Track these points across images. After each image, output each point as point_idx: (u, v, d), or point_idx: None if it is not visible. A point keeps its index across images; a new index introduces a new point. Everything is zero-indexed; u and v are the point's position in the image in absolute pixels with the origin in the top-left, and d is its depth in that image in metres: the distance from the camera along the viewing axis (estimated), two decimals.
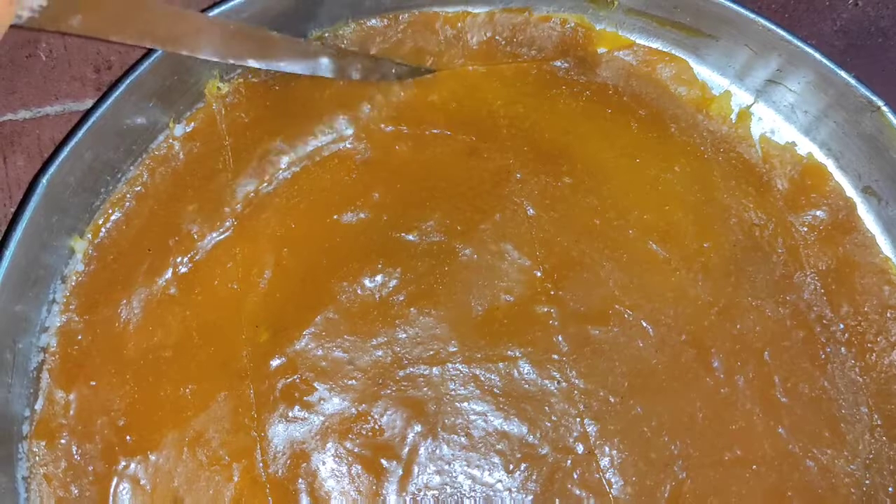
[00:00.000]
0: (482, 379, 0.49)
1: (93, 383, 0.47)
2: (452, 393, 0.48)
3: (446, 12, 0.55)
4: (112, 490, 0.45)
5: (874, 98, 0.51)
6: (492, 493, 0.47)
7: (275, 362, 0.48)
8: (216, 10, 0.48)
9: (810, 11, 0.60)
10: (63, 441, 0.46)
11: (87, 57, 0.54)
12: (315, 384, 0.48)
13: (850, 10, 0.59)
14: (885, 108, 0.51)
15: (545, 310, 0.50)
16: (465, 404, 0.48)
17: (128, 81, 0.47)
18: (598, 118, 0.55)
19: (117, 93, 0.47)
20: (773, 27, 0.52)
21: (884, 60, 0.60)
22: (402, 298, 0.49)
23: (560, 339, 0.50)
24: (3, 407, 0.45)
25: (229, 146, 0.51)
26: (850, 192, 0.56)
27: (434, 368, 0.48)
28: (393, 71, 0.53)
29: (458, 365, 0.49)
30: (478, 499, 0.47)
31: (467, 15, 0.55)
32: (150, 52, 0.48)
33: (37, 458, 0.45)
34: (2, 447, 0.45)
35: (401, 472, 0.47)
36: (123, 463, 0.46)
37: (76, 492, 0.45)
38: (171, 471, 0.46)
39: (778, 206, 0.54)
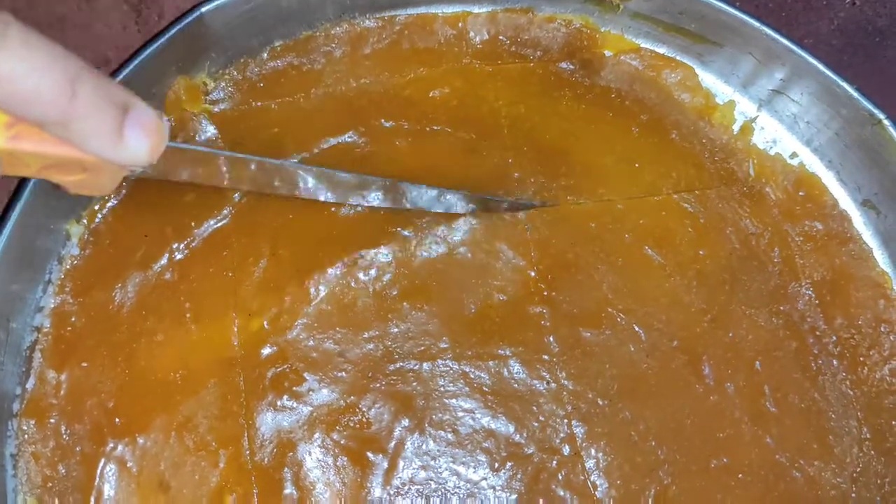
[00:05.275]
0: (472, 376, 0.49)
1: (84, 365, 0.47)
2: (441, 389, 0.48)
3: (444, 13, 0.55)
4: (99, 471, 0.45)
5: (875, 111, 0.51)
6: (476, 491, 0.47)
7: (266, 351, 0.48)
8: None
9: (808, 10, 0.59)
10: (52, 420, 0.46)
11: (84, 55, 0.54)
12: (305, 374, 0.48)
13: (847, 9, 0.59)
14: (886, 122, 0.51)
15: (538, 310, 0.50)
16: (454, 401, 0.48)
17: (122, 74, 0.48)
18: (599, 121, 0.55)
19: (118, 79, 0.47)
20: (777, 36, 0.52)
21: (881, 59, 0.60)
22: (395, 293, 0.50)
23: (551, 339, 0.50)
24: None
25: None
26: (850, 204, 0.55)
27: (424, 364, 0.48)
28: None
29: (448, 361, 0.49)
30: (462, 495, 0.47)
31: (468, 14, 0.55)
32: (149, 42, 0.48)
33: (26, 436, 0.46)
34: None
35: (386, 465, 0.47)
36: (111, 444, 0.46)
37: (63, 471, 0.45)
38: (158, 454, 0.46)
39: (773, 216, 0.54)
